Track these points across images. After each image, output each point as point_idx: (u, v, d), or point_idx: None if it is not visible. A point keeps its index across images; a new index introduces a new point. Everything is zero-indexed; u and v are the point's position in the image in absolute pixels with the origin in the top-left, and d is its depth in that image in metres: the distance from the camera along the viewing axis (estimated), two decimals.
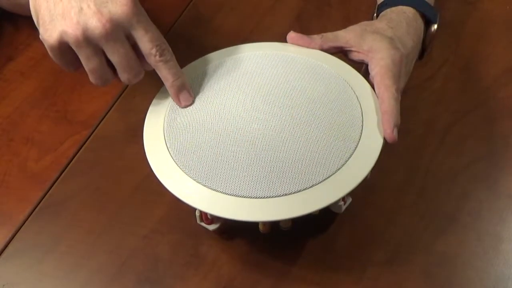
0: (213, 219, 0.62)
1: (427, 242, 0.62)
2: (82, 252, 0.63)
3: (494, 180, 0.67)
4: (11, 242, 0.64)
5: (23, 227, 0.65)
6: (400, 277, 0.60)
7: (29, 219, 0.66)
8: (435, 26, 0.72)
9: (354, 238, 0.63)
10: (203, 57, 0.69)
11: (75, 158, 0.70)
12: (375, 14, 0.73)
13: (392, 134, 0.60)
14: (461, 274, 0.61)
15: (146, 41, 0.59)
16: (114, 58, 0.59)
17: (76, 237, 0.64)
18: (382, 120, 0.61)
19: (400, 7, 0.70)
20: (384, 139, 0.60)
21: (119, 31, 0.58)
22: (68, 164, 0.70)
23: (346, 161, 0.58)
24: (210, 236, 0.63)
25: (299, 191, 0.56)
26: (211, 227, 0.62)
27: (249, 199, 0.56)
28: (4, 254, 0.64)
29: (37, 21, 0.60)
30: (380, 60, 0.64)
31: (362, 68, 0.67)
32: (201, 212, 0.62)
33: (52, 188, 0.68)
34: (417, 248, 0.62)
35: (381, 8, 0.72)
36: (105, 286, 0.61)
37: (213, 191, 0.57)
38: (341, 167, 0.58)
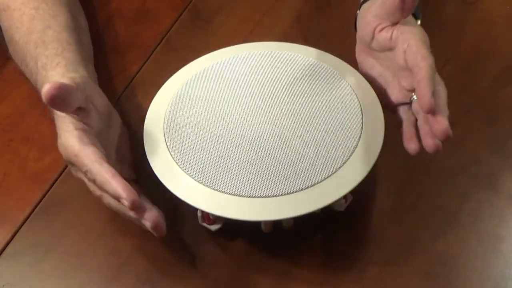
0: (215, 219, 0.62)
1: (427, 242, 0.62)
2: (82, 252, 0.63)
3: (494, 180, 0.67)
4: (11, 242, 0.64)
5: (23, 227, 0.65)
6: (400, 277, 0.60)
7: (29, 219, 0.66)
8: (418, 22, 0.71)
9: (354, 238, 0.63)
10: (203, 57, 0.69)
11: None
12: (358, 11, 0.72)
13: (430, 100, 0.56)
14: (461, 274, 0.61)
15: None
16: None
17: (76, 237, 0.64)
18: (418, 89, 0.57)
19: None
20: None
21: None
22: None
23: (347, 159, 0.58)
24: (210, 235, 0.63)
25: (301, 189, 0.57)
26: (213, 227, 0.62)
27: (251, 198, 0.57)
28: (4, 254, 0.64)
29: None
30: (416, 33, 0.62)
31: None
32: (203, 212, 0.61)
33: (52, 188, 0.68)
34: (417, 248, 0.62)
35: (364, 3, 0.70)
36: (105, 286, 0.61)
37: (215, 191, 0.57)
38: (342, 166, 0.58)
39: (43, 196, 0.67)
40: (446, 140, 0.57)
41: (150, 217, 0.57)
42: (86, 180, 0.60)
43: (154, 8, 0.85)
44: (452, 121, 0.71)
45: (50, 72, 0.64)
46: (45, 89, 0.56)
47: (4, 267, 0.63)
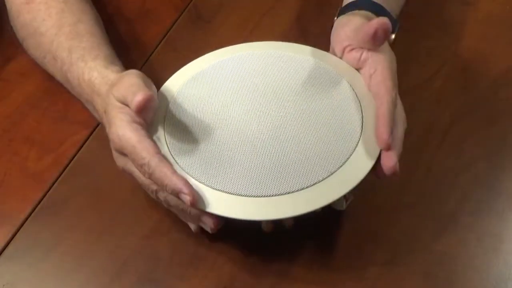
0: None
1: (427, 242, 0.62)
2: (82, 252, 0.63)
3: (494, 180, 0.67)
4: (11, 242, 0.64)
5: (23, 227, 0.65)
6: (400, 277, 0.60)
7: (29, 219, 0.66)
8: (393, 36, 0.69)
9: (354, 238, 0.63)
10: (203, 57, 0.69)
11: (75, 158, 0.70)
12: (335, 18, 0.71)
13: (388, 140, 0.56)
14: (461, 274, 0.61)
15: None
16: None
17: (76, 237, 0.64)
18: (377, 125, 0.58)
19: (363, 12, 0.68)
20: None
21: None
22: (68, 164, 0.70)
23: (347, 159, 0.58)
24: (210, 235, 0.63)
25: (301, 189, 0.57)
26: None
27: (251, 198, 0.57)
28: (4, 254, 0.64)
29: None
30: (384, 60, 0.62)
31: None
32: None
33: (52, 188, 0.68)
34: (417, 248, 0.62)
35: (345, 10, 0.70)
36: (105, 286, 0.61)
37: (215, 191, 0.57)
38: (342, 165, 0.58)
39: (43, 196, 0.67)
40: (392, 176, 0.57)
41: (210, 215, 0.57)
42: (136, 173, 0.59)
43: (154, 8, 0.85)
44: (452, 121, 0.72)
45: (90, 63, 0.65)
46: (139, 100, 0.57)
47: (4, 267, 0.63)
